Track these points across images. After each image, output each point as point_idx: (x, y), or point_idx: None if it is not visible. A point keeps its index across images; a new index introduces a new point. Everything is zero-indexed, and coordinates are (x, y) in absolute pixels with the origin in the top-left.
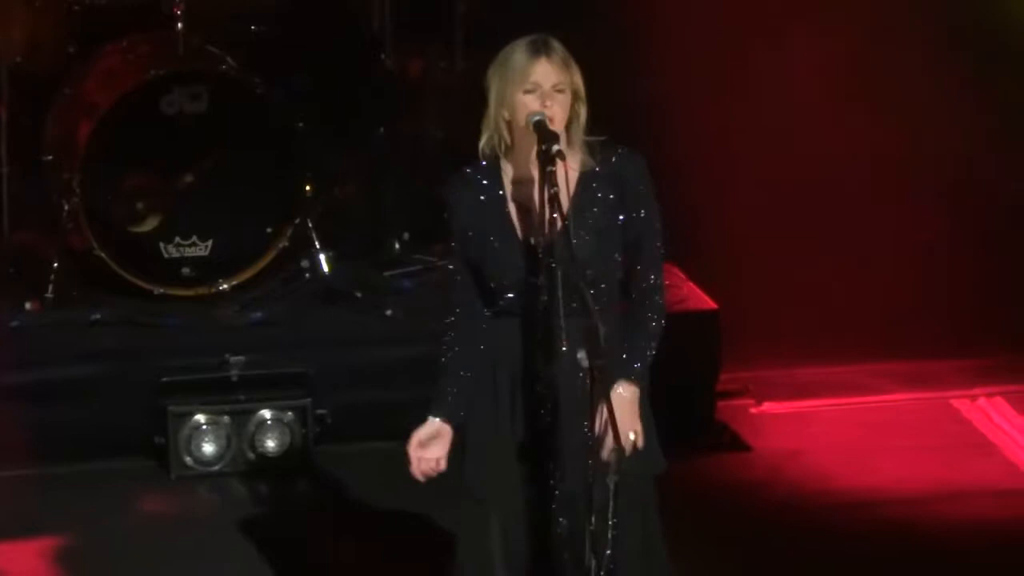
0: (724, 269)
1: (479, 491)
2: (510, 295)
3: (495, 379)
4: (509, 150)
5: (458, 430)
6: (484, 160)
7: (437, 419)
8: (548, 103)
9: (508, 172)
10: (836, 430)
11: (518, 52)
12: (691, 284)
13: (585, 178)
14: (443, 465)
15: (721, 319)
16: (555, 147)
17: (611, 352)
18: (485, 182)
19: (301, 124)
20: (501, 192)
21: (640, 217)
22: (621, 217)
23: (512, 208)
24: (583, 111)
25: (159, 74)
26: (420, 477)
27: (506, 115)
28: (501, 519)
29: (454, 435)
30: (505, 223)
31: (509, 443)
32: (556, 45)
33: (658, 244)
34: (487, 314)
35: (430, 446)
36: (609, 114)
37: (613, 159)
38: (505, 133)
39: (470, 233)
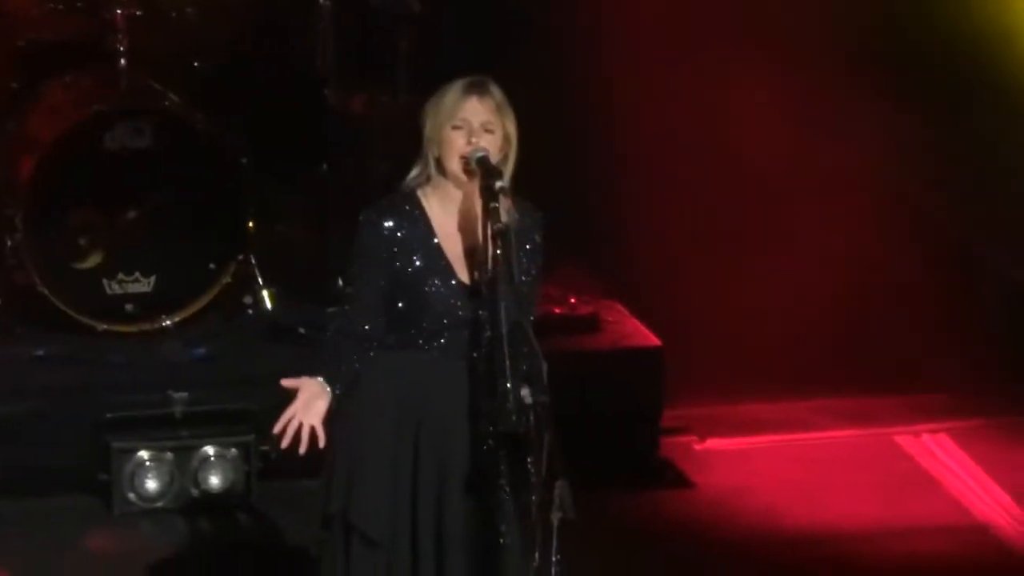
0: (666, 305)
1: (372, 529)
2: (437, 330)
3: (400, 413)
4: (434, 187)
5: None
6: (402, 194)
7: (323, 381)
8: (474, 140)
9: (432, 208)
10: (780, 467)
11: (451, 90)
12: (634, 320)
13: (512, 221)
14: (320, 439)
15: (665, 355)
16: (499, 183)
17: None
18: (407, 216)
19: (244, 160)
20: (427, 227)
21: (537, 269)
22: (526, 263)
23: (443, 244)
24: (512, 157)
25: (102, 110)
26: (287, 442)
27: (435, 151)
28: (389, 562)
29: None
30: (438, 259)
31: (407, 482)
32: (492, 88)
33: (536, 299)
34: (392, 346)
35: (312, 409)
36: (548, 151)
37: (526, 206)
38: (432, 169)
39: (388, 265)
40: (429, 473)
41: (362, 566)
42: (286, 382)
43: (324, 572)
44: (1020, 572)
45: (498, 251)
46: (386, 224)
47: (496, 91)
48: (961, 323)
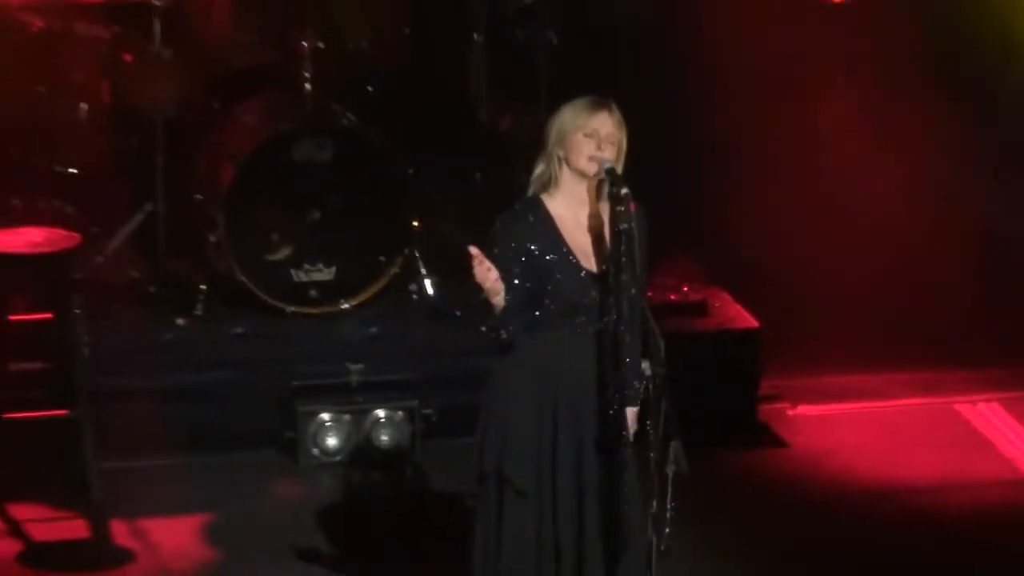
0: (765, 292)
1: (523, 483)
2: (568, 312)
3: (541, 384)
4: (557, 188)
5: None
6: (530, 200)
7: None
8: (603, 146)
9: (555, 207)
10: (860, 430)
11: (583, 102)
12: (737, 305)
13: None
14: (499, 288)
15: (762, 335)
16: (623, 190)
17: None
18: (535, 219)
19: (411, 170)
20: (553, 228)
21: (645, 263)
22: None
23: (569, 240)
24: (621, 165)
25: (291, 127)
26: (480, 268)
27: (561, 153)
28: (537, 510)
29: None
30: (565, 254)
31: (549, 442)
32: (615, 107)
33: (646, 287)
34: (534, 332)
35: (493, 274)
36: (669, 165)
37: (637, 209)
38: (556, 169)
39: (524, 259)
40: (567, 435)
41: (514, 515)
42: (474, 250)
43: (480, 522)
44: None
45: (622, 247)
46: (517, 228)
47: (616, 110)
48: (1006, 306)
